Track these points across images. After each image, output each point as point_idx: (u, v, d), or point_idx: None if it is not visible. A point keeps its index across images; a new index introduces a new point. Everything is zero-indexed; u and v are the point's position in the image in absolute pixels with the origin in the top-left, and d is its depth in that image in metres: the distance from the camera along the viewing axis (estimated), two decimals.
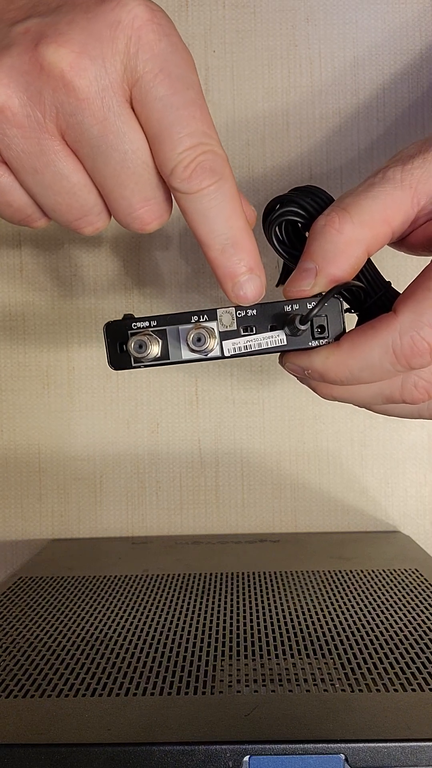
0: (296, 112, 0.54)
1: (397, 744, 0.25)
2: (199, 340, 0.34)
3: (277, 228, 0.37)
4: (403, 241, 0.37)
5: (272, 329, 0.35)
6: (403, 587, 0.41)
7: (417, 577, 0.43)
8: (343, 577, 0.43)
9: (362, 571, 0.44)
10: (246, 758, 0.25)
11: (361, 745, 0.25)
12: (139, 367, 0.35)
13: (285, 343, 0.35)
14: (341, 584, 0.42)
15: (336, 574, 0.44)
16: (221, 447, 0.56)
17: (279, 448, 0.56)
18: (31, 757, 0.26)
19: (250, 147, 0.54)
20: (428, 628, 0.35)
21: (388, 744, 0.25)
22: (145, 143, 0.31)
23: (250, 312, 0.35)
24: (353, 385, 0.35)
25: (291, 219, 0.37)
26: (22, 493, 0.56)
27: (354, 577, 0.43)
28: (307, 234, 0.36)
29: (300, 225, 0.37)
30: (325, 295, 0.34)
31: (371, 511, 0.55)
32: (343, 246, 0.34)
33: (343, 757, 0.25)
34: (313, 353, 0.35)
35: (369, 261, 0.36)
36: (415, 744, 0.25)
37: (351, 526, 0.56)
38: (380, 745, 0.25)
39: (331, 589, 0.41)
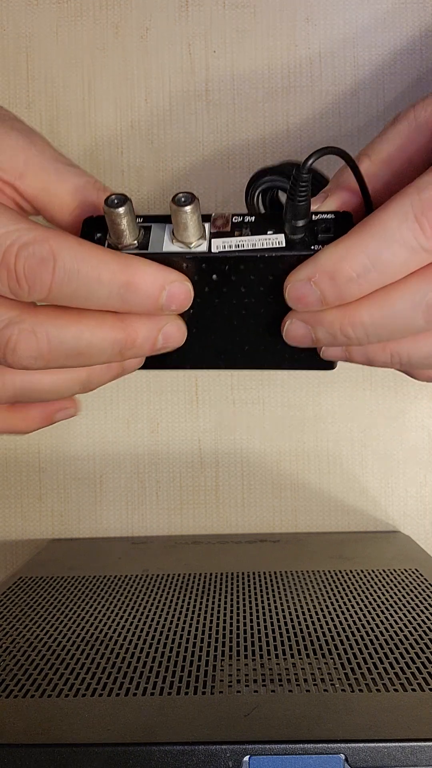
0: (296, 112, 0.54)
1: (397, 744, 0.25)
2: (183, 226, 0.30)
3: (260, 195, 0.35)
4: None
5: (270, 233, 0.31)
6: (403, 587, 0.41)
7: (417, 577, 0.43)
8: (343, 577, 0.43)
9: (362, 571, 0.44)
10: (246, 758, 0.25)
11: (361, 745, 0.25)
12: None
13: (283, 245, 0.31)
14: (341, 584, 0.42)
15: (336, 574, 0.44)
16: (221, 447, 0.56)
17: (279, 448, 0.56)
18: (31, 757, 0.26)
19: (250, 147, 0.54)
20: (428, 628, 0.35)
21: (388, 744, 0.25)
22: None
23: (248, 218, 0.32)
24: (386, 308, 0.30)
25: (276, 187, 0.35)
26: (22, 493, 0.56)
27: (354, 577, 0.43)
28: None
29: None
30: (325, 148, 0.30)
31: (371, 511, 0.55)
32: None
33: (343, 757, 0.25)
34: (319, 252, 0.30)
35: None
36: (415, 744, 0.25)
37: (351, 526, 0.56)
38: (380, 745, 0.25)
39: (331, 589, 0.41)
